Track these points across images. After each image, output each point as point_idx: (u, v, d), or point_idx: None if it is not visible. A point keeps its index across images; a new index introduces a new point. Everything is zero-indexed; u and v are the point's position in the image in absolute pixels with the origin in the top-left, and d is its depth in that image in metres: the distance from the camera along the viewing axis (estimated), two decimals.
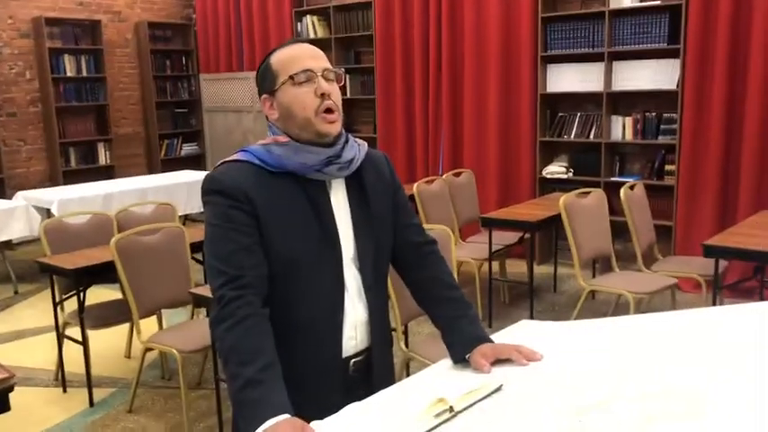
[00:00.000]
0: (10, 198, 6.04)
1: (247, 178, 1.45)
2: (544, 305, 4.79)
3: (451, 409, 1.24)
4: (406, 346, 3.02)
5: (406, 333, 3.08)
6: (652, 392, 1.26)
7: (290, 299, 1.47)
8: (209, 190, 1.47)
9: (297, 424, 1.25)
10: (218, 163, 1.52)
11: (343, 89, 1.55)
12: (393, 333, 1.70)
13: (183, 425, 3.16)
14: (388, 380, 1.60)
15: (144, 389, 3.58)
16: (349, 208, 1.54)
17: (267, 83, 1.52)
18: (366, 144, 1.62)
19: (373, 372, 1.58)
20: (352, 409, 1.33)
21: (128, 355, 4.04)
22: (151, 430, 3.21)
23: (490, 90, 5.81)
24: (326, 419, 1.29)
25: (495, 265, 4.73)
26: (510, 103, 5.77)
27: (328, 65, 1.51)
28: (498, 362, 1.47)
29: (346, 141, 1.53)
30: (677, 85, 4.98)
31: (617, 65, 5.32)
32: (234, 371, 1.34)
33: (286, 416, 1.26)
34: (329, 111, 1.47)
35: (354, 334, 1.54)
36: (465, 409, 1.26)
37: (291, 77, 1.46)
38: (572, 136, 5.61)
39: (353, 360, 1.55)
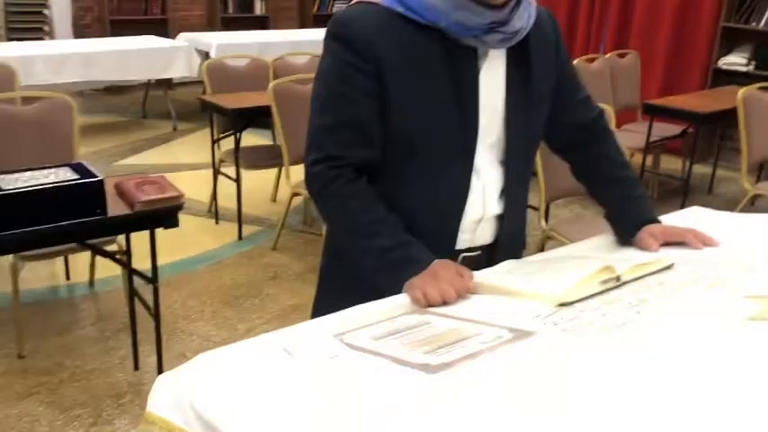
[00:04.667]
0: (173, 39, 6.32)
1: (382, 29, 1.19)
2: (696, 206, 4.48)
3: (618, 278, 1.18)
4: (546, 222, 2.95)
5: (547, 212, 3.00)
6: None
7: (404, 183, 1.27)
8: (333, 33, 1.23)
9: (452, 265, 1.21)
10: (353, 1, 1.25)
11: None
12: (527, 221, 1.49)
13: None
14: None
15: (287, 231, 3.77)
16: (505, 87, 1.27)
17: None
18: (535, 4, 1.29)
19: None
20: (508, 265, 1.31)
21: (273, 199, 4.27)
22: (293, 267, 3.42)
23: None
24: (483, 270, 1.27)
25: (648, 157, 4.45)
26: None
27: None
28: (668, 245, 1.37)
29: (518, 4, 1.21)
30: None
31: None
32: (364, 246, 1.24)
33: (436, 260, 1.21)
34: None
35: (474, 227, 1.32)
36: (633, 280, 1.20)
37: None
38: (761, 24, 4.98)
39: (464, 255, 1.33)
